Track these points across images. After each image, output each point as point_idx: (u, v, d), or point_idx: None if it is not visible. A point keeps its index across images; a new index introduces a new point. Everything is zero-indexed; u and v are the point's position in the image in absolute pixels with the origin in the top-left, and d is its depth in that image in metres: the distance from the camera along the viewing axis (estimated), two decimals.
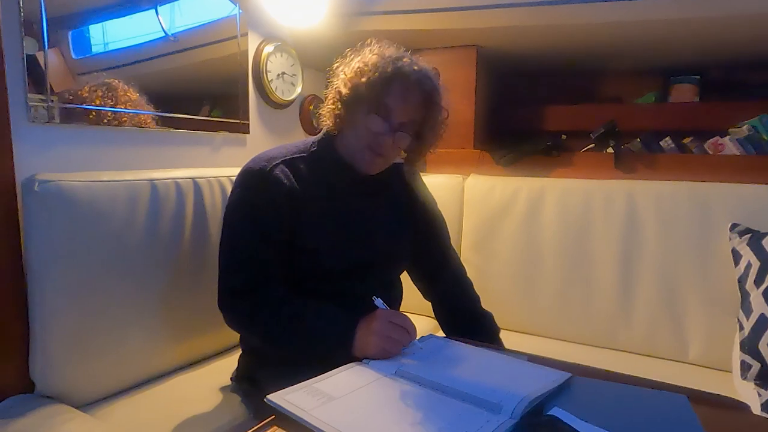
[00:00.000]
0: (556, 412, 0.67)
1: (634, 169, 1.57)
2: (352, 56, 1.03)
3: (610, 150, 1.65)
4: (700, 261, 1.38)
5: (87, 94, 1.14)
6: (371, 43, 1.03)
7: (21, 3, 1.00)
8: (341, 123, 1.03)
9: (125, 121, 1.22)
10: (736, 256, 1.29)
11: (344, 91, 1.00)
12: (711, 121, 1.72)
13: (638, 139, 1.70)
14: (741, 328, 1.22)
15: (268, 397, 0.69)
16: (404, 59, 0.99)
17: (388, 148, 1.01)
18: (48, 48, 1.06)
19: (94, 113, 1.15)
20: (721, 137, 1.62)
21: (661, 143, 1.70)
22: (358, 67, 0.99)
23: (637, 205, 1.47)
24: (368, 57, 1.00)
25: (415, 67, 0.99)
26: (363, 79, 0.97)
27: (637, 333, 1.45)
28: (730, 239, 1.33)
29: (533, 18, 1.56)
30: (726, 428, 0.71)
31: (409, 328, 0.90)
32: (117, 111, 1.20)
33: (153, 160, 1.32)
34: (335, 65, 1.06)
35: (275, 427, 0.65)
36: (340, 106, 1.01)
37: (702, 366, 1.38)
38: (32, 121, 1.05)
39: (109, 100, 1.18)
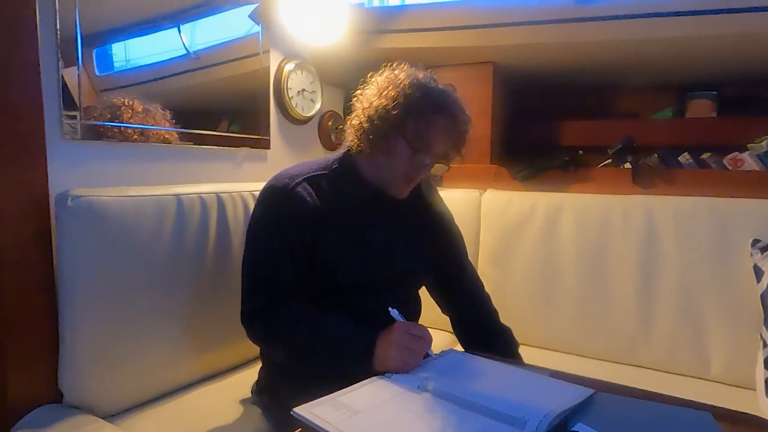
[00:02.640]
0: (580, 428, 0.68)
1: (652, 185, 1.57)
2: (381, 80, 1.03)
3: (628, 165, 1.65)
4: (720, 277, 1.37)
5: (97, 116, 1.16)
6: (400, 66, 1.04)
7: (57, 24, 1.04)
8: (373, 148, 1.02)
9: (134, 137, 1.23)
10: (758, 272, 1.28)
11: (378, 120, 0.99)
12: (729, 136, 1.71)
13: (656, 155, 1.70)
14: (765, 345, 1.21)
15: (295, 410, 0.70)
16: (443, 90, 1.02)
17: (424, 176, 1.05)
18: (80, 66, 1.10)
19: (110, 131, 1.18)
20: (740, 152, 1.61)
21: (679, 158, 1.69)
22: (393, 96, 0.98)
23: (656, 220, 1.46)
24: (405, 87, 0.99)
25: (454, 101, 1.02)
26: (402, 110, 0.97)
27: (657, 349, 1.44)
28: (751, 255, 1.32)
29: (549, 36, 1.58)
30: None
31: (426, 337, 0.91)
32: (134, 127, 1.24)
33: (177, 175, 1.35)
34: (360, 89, 1.06)
35: None
36: (372, 133, 1.00)
37: (724, 383, 1.36)
38: (64, 138, 1.08)
39: (116, 119, 1.19)
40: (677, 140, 1.78)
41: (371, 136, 1.01)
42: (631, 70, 1.84)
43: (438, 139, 1.00)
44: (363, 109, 1.03)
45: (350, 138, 1.07)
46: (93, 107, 1.15)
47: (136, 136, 1.24)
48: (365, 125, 1.02)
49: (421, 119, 0.98)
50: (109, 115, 1.18)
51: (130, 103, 1.23)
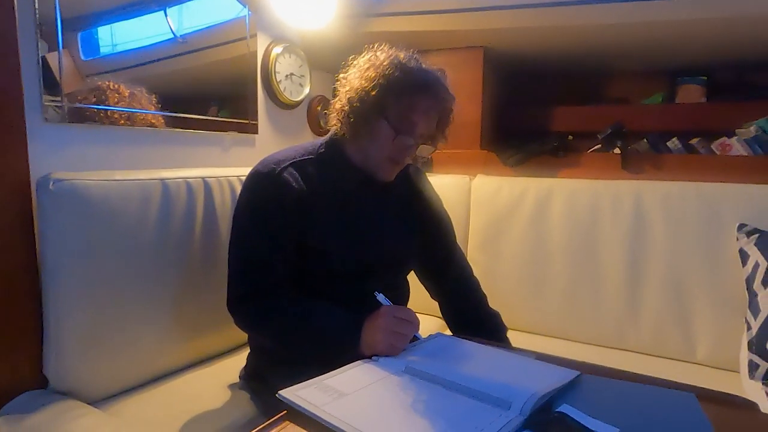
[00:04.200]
0: (565, 409, 0.68)
1: (641, 170, 1.58)
2: (362, 62, 1.02)
3: (617, 150, 1.65)
4: (707, 261, 1.38)
5: (81, 99, 1.14)
6: (380, 47, 1.03)
7: (36, 5, 1.02)
8: (356, 132, 1.01)
9: (121, 121, 1.21)
10: (744, 257, 1.29)
11: (359, 102, 0.98)
12: (718, 121, 1.72)
13: (645, 140, 1.71)
14: (749, 328, 1.22)
15: (280, 392, 0.69)
16: (423, 69, 1.00)
17: (411, 155, 1.03)
18: (60, 49, 1.08)
19: (96, 114, 1.17)
20: (729, 138, 1.62)
21: (668, 144, 1.70)
22: (373, 77, 0.97)
23: (645, 205, 1.47)
24: (385, 67, 0.98)
25: (435, 79, 1.00)
26: (382, 92, 0.96)
27: (644, 333, 1.45)
28: (737, 239, 1.33)
29: (540, 19, 1.57)
30: (735, 427, 0.71)
31: (413, 320, 0.91)
32: (120, 110, 1.22)
33: (163, 159, 1.34)
34: (342, 73, 1.04)
35: (287, 422, 0.66)
36: (354, 116, 1.00)
37: (710, 366, 1.38)
38: (46, 121, 1.06)
39: (102, 103, 1.18)
40: (667, 125, 1.78)
41: (353, 120, 1.00)
42: (621, 55, 1.84)
43: (421, 120, 0.99)
44: (345, 93, 1.02)
45: (334, 122, 1.06)
46: (78, 91, 1.13)
47: (123, 121, 1.22)
48: (347, 108, 1.00)
49: (402, 100, 0.97)
50: (94, 99, 1.16)
51: (116, 86, 1.21)
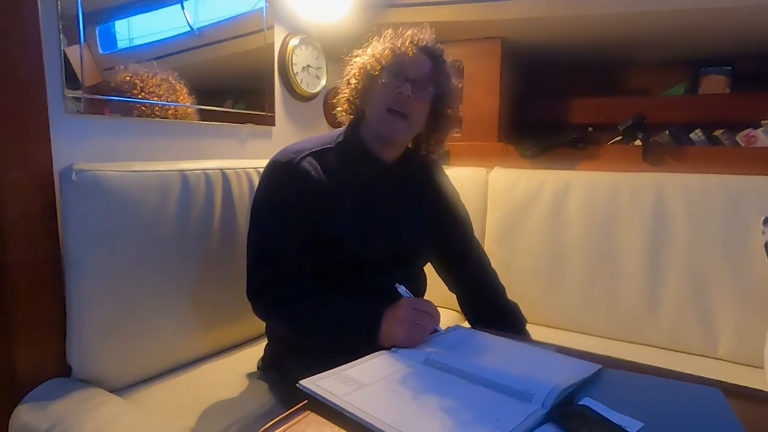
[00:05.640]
0: (587, 402, 0.67)
1: (662, 162, 1.55)
2: (358, 52, 1.10)
3: (638, 142, 1.62)
4: (730, 255, 1.35)
5: (119, 85, 1.17)
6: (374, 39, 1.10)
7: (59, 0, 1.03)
8: (362, 103, 1.07)
9: (151, 108, 1.25)
10: None
11: (357, 75, 1.06)
12: (743, 112, 1.68)
13: (667, 132, 1.67)
14: None
15: (301, 382, 0.69)
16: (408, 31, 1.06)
17: (409, 105, 1.00)
18: (81, 40, 1.09)
19: (126, 105, 1.19)
20: (754, 129, 1.58)
21: (690, 135, 1.66)
22: (368, 53, 1.06)
23: (666, 198, 1.44)
24: (374, 44, 1.08)
25: (418, 35, 1.06)
26: (373, 57, 1.03)
27: (664, 328, 1.43)
28: (763, 233, 1.30)
29: (558, 9, 1.54)
30: (764, 424, 0.70)
31: (433, 313, 0.91)
32: (144, 102, 1.23)
33: (181, 151, 1.35)
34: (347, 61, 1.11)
35: (308, 412, 0.66)
36: (355, 90, 1.07)
37: (732, 362, 1.35)
38: (68, 113, 1.08)
39: (138, 93, 1.20)
40: (689, 117, 1.74)
41: (360, 88, 1.06)
42: (642, 45, 1.80)
43: (405, 59, 1.02)
44: (345, 82, 1.10)
45: (343, 108, 1.11)
46: (114, 80, 1.17)
47: (157, 109, 1.26)
48: (352, 85, 1.08)
49: (387, 53, 1.03)
50: (127, 87, 1.19)
51: (154, 77, 1.25)
